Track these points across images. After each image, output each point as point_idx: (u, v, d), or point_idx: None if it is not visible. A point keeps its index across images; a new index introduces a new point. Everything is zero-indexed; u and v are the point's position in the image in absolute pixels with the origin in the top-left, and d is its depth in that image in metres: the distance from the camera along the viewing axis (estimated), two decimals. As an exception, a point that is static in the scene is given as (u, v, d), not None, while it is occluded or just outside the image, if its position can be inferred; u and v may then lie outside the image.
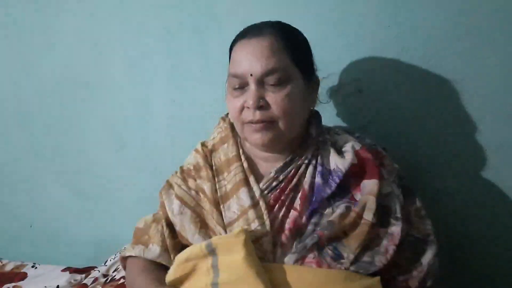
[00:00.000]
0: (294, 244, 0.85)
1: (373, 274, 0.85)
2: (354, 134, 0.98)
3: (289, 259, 0.84)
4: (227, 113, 1.02)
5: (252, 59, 0.86)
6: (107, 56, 1.40)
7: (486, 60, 1.04)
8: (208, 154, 0.98)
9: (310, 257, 0.83)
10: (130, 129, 1.44)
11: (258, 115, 0.86)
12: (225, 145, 0.97)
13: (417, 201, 0.93)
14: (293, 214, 0.87)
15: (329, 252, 0.84)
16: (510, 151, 1.08)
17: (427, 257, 0.88)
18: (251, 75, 0.86)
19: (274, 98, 0.86)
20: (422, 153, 1.13)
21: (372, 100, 1.13)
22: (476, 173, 1.11)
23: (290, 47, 0.88)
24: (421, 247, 0.89)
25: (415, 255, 0.88)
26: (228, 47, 0.95)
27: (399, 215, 0.87)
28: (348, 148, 0.91)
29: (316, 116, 0.99)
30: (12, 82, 1.55)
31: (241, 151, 0.96)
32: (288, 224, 0.86)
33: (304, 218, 0.86)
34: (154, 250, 0.95)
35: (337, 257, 0.83)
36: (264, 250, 0.85)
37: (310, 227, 0.86)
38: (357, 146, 0.91)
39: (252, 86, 0.86)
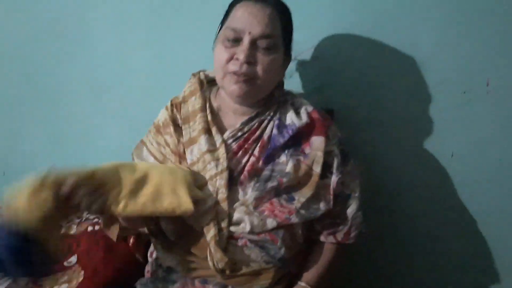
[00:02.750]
0: (252, 183, 1.00)
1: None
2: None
3: (250, 196, 0.98)
4: (199, 71, 1.14)
5: (254, 21, 0.97)
6: (91, 7, 1.46)
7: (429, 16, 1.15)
8: (178, 106, 1.09)
9: (267, 197, 1.00)
10: (109, 80, 1.51)
11: (244, 68, 0.97)
12: (193, 97, 1.09)
13: (351, 163, 1.09)
14: (251, 159, 1.01)
15: (284, 196, 1.01)
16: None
17: (351, 209, 1.07)
18: (249, 33, 0.97)
19: (262, 59, 0.98)
20: (372, 115, 1.27)
21: (326, 66, 1.26)
22: (429, 140, 1.24)
23: (284, 21, 1.01)
24: (348, 202, 1.08)
25: (343, 208, 1.07)
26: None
27: (334, 170, 1.04)
28: (303, 110, 1.07)
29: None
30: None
31: (207, 104, 1.08)
32: (247, 167, 1.01)
33: (260, 163, 1.01)
34: None
35: (290, 199, 1.00)
36: (217, 186, 0.98)
37: (266, 172, 1.01)
38: (310, 109, 1.07)
39: (246, 43, 0.97)
